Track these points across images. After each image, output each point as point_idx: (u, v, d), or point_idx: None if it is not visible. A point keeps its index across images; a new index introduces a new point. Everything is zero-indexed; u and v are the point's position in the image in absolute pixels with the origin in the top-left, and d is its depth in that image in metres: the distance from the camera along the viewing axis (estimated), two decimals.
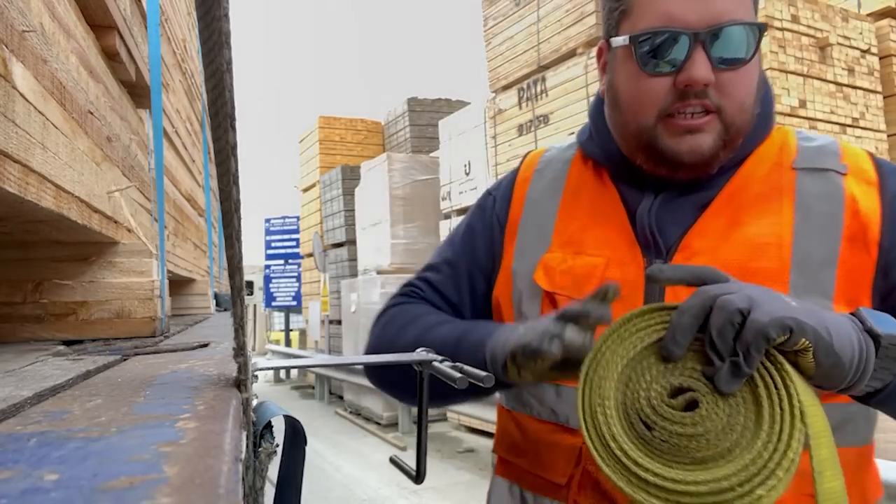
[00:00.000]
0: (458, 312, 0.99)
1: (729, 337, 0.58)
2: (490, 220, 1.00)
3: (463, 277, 0.99)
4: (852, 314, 0.64)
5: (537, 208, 0.95)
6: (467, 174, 7.10)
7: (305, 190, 12.20)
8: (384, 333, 0.97)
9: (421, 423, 0.95)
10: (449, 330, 0.88)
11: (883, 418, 0.76)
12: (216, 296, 3.04)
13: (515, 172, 1.03)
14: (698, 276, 0.65)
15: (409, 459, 1.07)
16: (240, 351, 0.55)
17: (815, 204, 0.79)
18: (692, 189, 0.84)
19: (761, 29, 0.77)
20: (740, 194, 0.82)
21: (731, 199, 0.82)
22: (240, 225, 0.41)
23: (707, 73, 0.75)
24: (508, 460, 0.95)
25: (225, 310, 2.98)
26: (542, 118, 5.67)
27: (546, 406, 0.89)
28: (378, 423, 7.80)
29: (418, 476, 0.95)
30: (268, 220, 14.50)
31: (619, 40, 0.81)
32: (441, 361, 0.91)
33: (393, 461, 1.06)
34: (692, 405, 0.61)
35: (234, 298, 0.49)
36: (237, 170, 0.38)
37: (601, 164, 0.92)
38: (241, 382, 0.56)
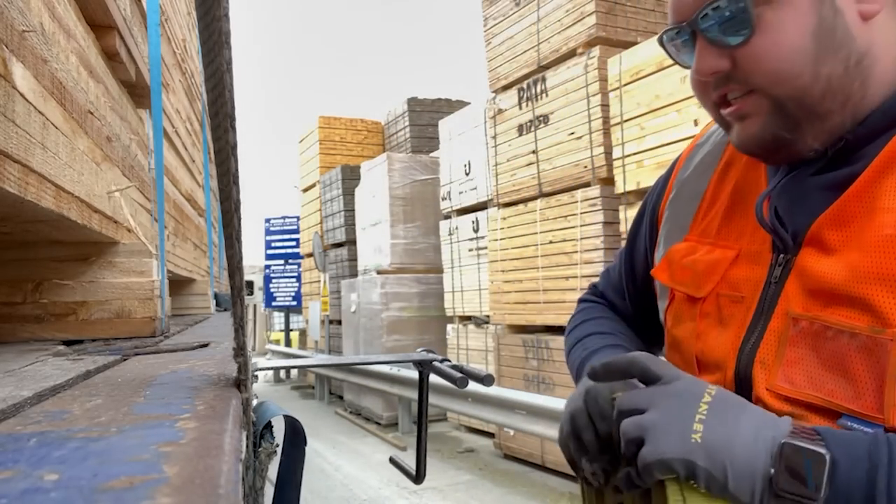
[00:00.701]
0: (628, 311, 0.99)
1: (630, 452, 0.60)
2: (645, 209, 0.94)
3: (626, 276, 0.97)
4: (804, 436, 0.55)
5: (685, 190, 0.85)
6: (467, 174, 7.10)
7: (305, 190, 12.20)
8: (567, 340, 1.00)
9: (421, 424, 0.95)
10: (577, 362, 0.92)
11: None
12: (216, 296, 3.04)
13: (676, 159, 0.93)
14: (626, 373, 0.65)
15: (410, 460, 1.07)
16: (240, 351, 0.55)
17: None
18: (834, 164, 0.68)
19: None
20: (881, 175, 0.63)
21: (870, 183, 0.63)
22: (240, 225, 0.41)
23: (713, 62, 0.68)
24: None
25: (225, 310, 2.98)
26: (542, 118, 5.67)
27: None
28: (378, 423, 7.80)
29: (418, 476, 0.95)
30: (268, 220, 14.50)
31: None
32: (441, 361, 0.91)
33: (393, 461, 1.06)
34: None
35: (234, 298, 0.49)
36: (237, 170, 0.38)
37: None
38: (241, 382, 0.56)
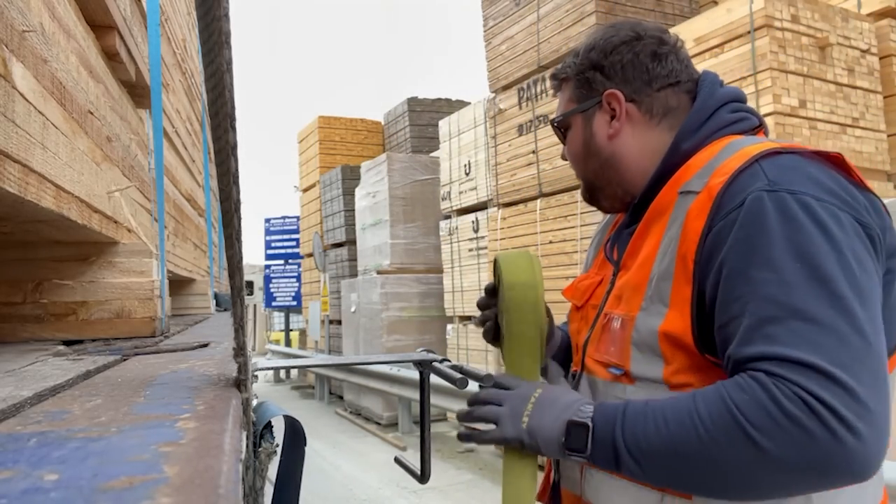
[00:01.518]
0: None
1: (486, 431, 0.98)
2: None
3: None
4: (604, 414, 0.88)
5: (595, 239, 1.26)
6: (467, 174, 7.10)
7: (305, 190, 12.20)
8: None
9: (424, 424, 0.95)
10: None
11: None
12: (216, 296, 3.04)
13: None
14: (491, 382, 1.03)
15: (411, 460, 1.07)
16: (240, 351, 0.55)
17: (673, 224, 0.92)
18: (635, 219, 1.05)
19: (554, 123, 1.13)
20: (648, 222, 0.99)
21: (642, 228, 1.00)
22: (240, 225, 0.40)
23: (564, 150, 1.15)
24: None
25: (225, 310, 2.98)
26: (542, 118, 5.66)
27: None
28: (378, 423, 7.80)
29: (423, 476, 0.95)
30: (268, 220, 14.50)
31: None
32: (441, 361, 0.91)
33: (398, 461, 1.07)
34: None
35: (234, 298, 0.49)
36: (237, 170, 0.38)
37: None
38: (241, 382, 0.56)
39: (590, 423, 0.86)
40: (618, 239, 1.07)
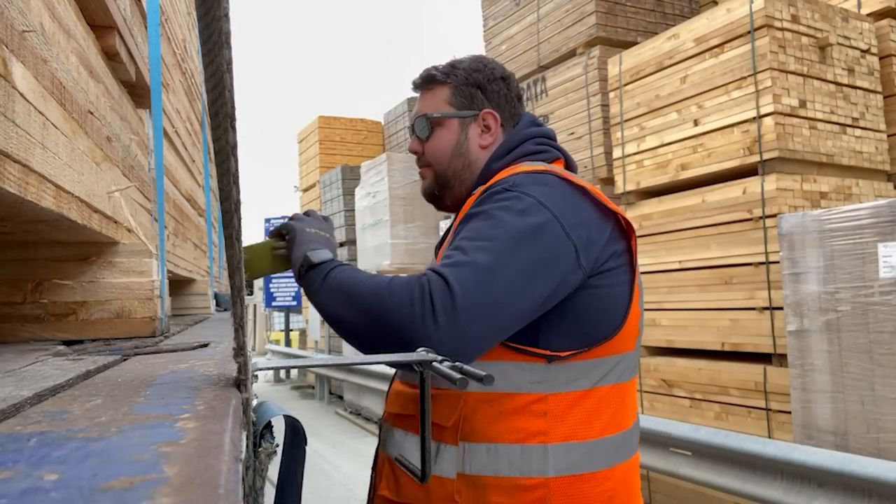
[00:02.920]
0: None
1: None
2: None
3: None
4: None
5: (439, 242, 1.41)
6: None
7: (305, 190, 12.20)
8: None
9: (424, 424, 0.95)
10: None
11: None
12: (216, 296, 3.04)
13: None
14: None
15: (412, 460, 1.07)
16: (240, 351, 0.55)
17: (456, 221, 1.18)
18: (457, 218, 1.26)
19: (428, 117, 1.28)
20: (456, 223, 1.20)
21: (452, 233, 1.19)
22: (240, 225, 0.40)
23: (415, 145, 1.31)
24: None
25: (225, 310, 2.98)
26: (542, 118, 5.66)
27: None
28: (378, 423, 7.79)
29: (423, 475, 0.95)
30: (268, 220, 14.49)
31: None
32: (441, 361, 0.91)
33: (399, 461, 1.07)
34: None
35: (234, 298, 0.49)
36: (237, 170, 0.38)
37: None
38: (241, 382, 0.56)
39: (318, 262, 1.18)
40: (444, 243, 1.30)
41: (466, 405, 1.07)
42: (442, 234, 1.43)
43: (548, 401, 1.06)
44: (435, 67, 1.31)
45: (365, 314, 1.03)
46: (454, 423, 1.07)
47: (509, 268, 1.01)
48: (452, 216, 1.38)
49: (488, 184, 1.18)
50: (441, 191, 1.29)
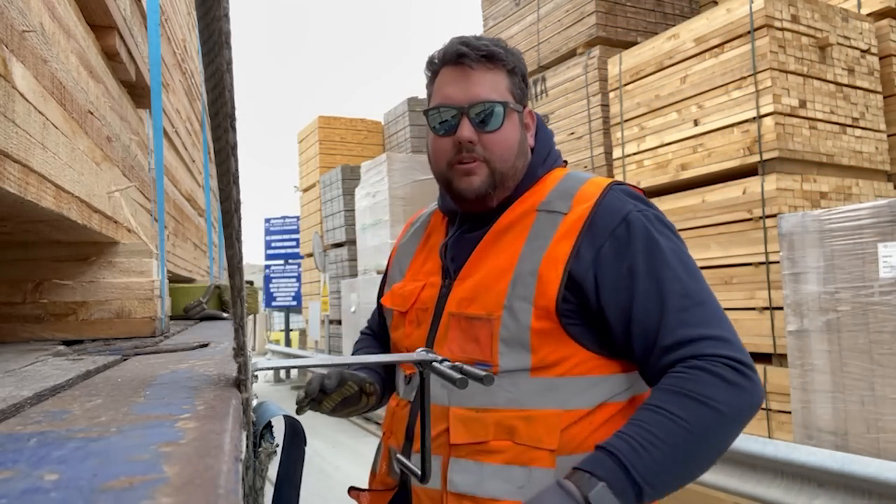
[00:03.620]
0: (381, 332, 1.39)
1: None
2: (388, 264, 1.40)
3: (377, 311, 1.42)
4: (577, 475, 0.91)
5: (403, 250, 1.32)
6: None
7: (305, 190, 12.20)
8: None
9: (424, 424, 0.95)
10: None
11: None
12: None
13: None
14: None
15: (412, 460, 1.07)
16: (240, 351, 0.55)
17: (538, 236, 1.06)
18: (476, 227, 1.15)
19: (505, 106, 1.10)
20: (501, 232, 1.11)
21: (494, 236, 1.12)
22: (240, 225, 0.40)
23: (470, 134, 1.10)
24: None
25: (224, 310, 2.98)
26: (542, 118, 5.67)
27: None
28: (378, 423, 7.80)
29: (424, 475, 0.95)
30: (268, 220, 14.49)
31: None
32: (441, 362, 0.91)
33: (399, 461, 1.07)
34: None
35: (234, 299, 0.49)
36: (237, 170, 0.38)
37: (443, 212, 1.27)
38: (241, 382, 0.56)
39: (604, 488, 0.88)
40: (458, 245, 1.16)
41: (569, 422, 1.01)
42: (412, 238, 1.32)
43: (634, 403, 1.06)
44: (494, 43, 1.14)
45: (715, 447, 0.95)
46: (553, 445, 0.99)
47: (710, 290, 1.04)
48: (417, 223, 1.33)
49: (538, 193, 1.12)
50: (493, 191, 1.12)
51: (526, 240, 1.07)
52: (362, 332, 1.50)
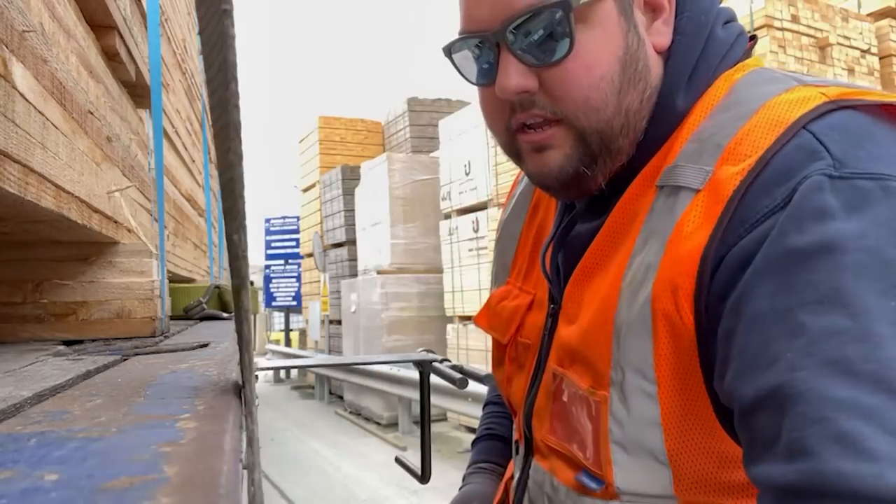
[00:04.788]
0: None
1: None
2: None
3: None
4: None
5: (505, 232, 0.84)
6: (467, 174, 7.10)
7: (305, 190, 12.20)
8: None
9: (424, 424, 0.95)
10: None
11: None
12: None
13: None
14: None
15: (412, 460, 1.07)
16: (241, 351, 0.55)
17: (647, 245, 0.57)
18: (592, 213, 0.67)
19: (567, 6, 0.57)
20: (618, 227, 0.63)
21: (608, 235, 0.63)
22: (244, 209, 0.39)
23: (518, 79, 0.60)
24: None
25: (224, 310, 2.98)
26: None
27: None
28: (378, 423, 7.80)
29: (423, 476, 0.95)
30: (268, 220, 14.49)
31: None
32: (441, 362, 0.91)
33: (399, 461, 1.07)
34: None
35: (237, 297, 0.49)
36: (241, 151, 0.37)
37: None
38: (242, 383, 0.56)
39: None
40: (563, 243, 0.69)
41: None
42: (513, 216, 0.83)
43: None
44: None
45: None
46: None
47: None
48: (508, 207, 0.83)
49: (674, 145, 0.60)
50: (591, 167, 0.62)
51: (632, 249, 0.59)
52: (489, 402, 1.01)
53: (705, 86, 0.61)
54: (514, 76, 0.60)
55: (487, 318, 0.82)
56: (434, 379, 1.02)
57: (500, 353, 0.79)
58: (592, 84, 0.59)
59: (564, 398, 0.63)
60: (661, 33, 0.62)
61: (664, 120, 0.62)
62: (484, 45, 0.62)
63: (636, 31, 0.60)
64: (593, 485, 0.59)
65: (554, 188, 0.66)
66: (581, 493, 0.61)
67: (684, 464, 0.55)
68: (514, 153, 0.66)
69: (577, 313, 0.63)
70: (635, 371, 0.55)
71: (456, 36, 0.65)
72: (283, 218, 14.32)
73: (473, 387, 0.98)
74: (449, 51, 0.67)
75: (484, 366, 6.44)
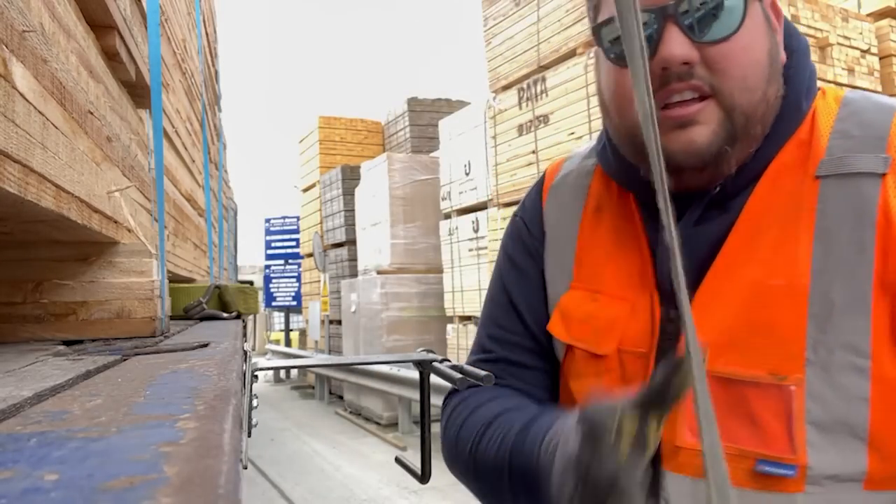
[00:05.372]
0: (535, 378, 0.84)
1: None
2: (530, 249, 0.86)
3: (529, 328, 0.84)
4: None
5: (558, 235, 0.82)
6: (467, 174, 7.10)
7: (305, 190, 12.20)
8: (460, 450, 0.82)
9: (424, 424, 0.95)
10: (499, 452, 0.74)
11: None
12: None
13: (540, 188, 0.89)
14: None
15: (412, 460, 1.07)
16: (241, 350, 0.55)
17: (839, 229, 0.61)
18: (713, 210, 0.69)
19: None
20: (760, 219, 0.66)
21: (750, 226, 0.66)
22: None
23: (683, 49, 0.63)
24: None
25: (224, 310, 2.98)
26: (541, 118, 5.66)
27: None
28: (378, 423, 7.80)
29: (423, 476, 0.95)
30: (268, 220, 14.50)
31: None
32: (441, 361, 0.91)
33: (399, 461, 1.07)
34: None
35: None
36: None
37: (611, 176, 0.79)
38: (241, 382, 0.56)
39: None
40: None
41: None
42: (570, 210, 0.82)
43: None
44: None
45: None
46: None
47: None
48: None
49: (803, 143, 0.67)
50: (732, 146, 0.66)
51: (815, 233, 0.62)
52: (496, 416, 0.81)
53: (813, 98, 0.71)
54: (679, 46, 0.63)
55: (566, 327, 0.78)
56: (434, 379, 1.02)
57: (588, 366, 0.76)
58: (750, 65, 0.65)
59: (725, 392, 0.63)
60: (781, 49, 0.71)
61: (790, 120, 0.69)
62: (646, 17, 0.64)
63: (774, 37, 0.69)
64: (782, 471, 0.60)
65: (694, 167, 0.67)
66: (758, 489, 0.61)
67: (886, 439, 0.58)
68: (641, 139, 0.65)
69: (722, 306, 0.65)
70: (846, 349, 0.58)
71: (607, 12, 0.68)
72: (283, 218, 14.32)
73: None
74: (599, 28, 0.70)
75: None
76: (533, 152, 5.73)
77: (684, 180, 0.68)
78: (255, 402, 0.96)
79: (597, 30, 0.71)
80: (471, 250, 6.95)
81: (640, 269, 0.73)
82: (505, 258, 0.91)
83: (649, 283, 0.73)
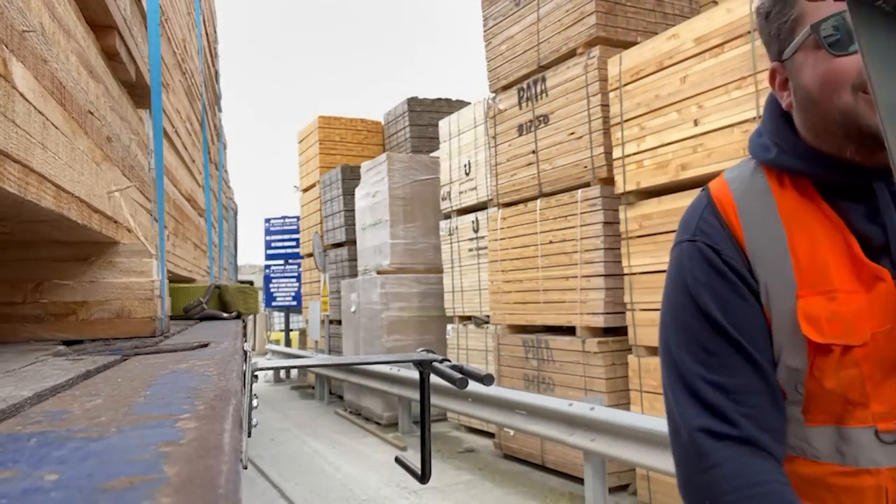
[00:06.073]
0: (775, 420, 0.87)
1: None
2: (734, 268, 0.89)
3: (757, 369, 0.87)
4: None
5: (766, 252, 0.88)
6: (467, 174, 7.10)
7: (305, 190, 12.20)
8: None
9: (424, 424, 0.95)
10: None
11: None
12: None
13: (715, 211, 0.94)
14: None
15: (412, 460, 1.07)
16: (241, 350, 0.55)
17: None
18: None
19: None
20: None
21: None
22: None
23: None
24: None
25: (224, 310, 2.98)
26: (541, 118, 5.66)
27: (826, 449, 0.85)
28: (378, 423, 7.79)
29: (423, 476, 0.95)
30: (268, 220, 14.50)
31: (800, 37, 0.83)
32: (441, 361, 0.91)
33: (399, 461, 1.07)
34: None
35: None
36: None
37: (803, 172, 0.88)
38: (241, 382, 0.56)
39: None
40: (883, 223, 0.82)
41: None
42: (760, 213, 0.90)
43: None
44: None
45: None
46: None
47: None
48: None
49: None
50: None
51: None
52: (717, 437, 0.86)
53: None
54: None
55: (817, 330, 0.82)
56: (434, 379, 1.02)
57: (839, 360, 0.81)
58: None
59: None
60: None
61: None
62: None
63: None
64: None
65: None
66: None
67: None
68: (854, 115, 0.79)
69: None
70: None
71: (828, 9, 0.79)
72: (283, 218, 14.32)
73: (473, 387, 0.98)
74: (818, 25, 0.80)
75: (484, 366, 6.44)
76: (533, 152, 5.73)
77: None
78: (255, 402, 0.96)
79: (815, 26, 0.80)
80: (471, 250, 6.95)
81: (852, 255, 0.82)
82: (701, 290, 0.91)
83: (867, 264, 0.81)
